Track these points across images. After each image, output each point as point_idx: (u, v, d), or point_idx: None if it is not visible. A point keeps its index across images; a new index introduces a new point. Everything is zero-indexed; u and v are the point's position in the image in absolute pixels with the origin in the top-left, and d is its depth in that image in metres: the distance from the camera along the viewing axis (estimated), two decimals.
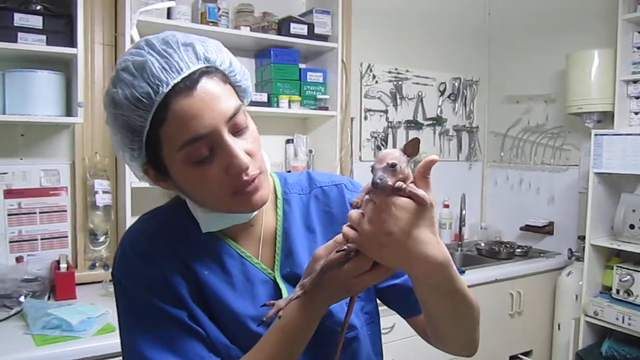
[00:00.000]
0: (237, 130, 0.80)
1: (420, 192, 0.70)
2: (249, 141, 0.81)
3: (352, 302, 0.83)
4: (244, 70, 0.87)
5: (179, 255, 0.85)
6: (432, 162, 0.70)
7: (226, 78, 0.82)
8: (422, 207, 0.70)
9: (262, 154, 0.85)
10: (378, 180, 0.68)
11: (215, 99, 0.77)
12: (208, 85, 0.77)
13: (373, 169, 0.70)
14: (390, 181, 0.69)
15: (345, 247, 0.73)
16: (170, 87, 0.75)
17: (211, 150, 0.78)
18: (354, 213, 0.73)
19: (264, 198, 0.84)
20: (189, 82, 0.76)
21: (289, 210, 0.95)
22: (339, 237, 0.76)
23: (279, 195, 0.96)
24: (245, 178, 0.79)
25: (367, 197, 0.73)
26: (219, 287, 0.84)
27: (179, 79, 0.75)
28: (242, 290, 0.86)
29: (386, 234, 0.70)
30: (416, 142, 0.71)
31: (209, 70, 0.79)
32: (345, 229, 0.74)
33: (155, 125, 0.76)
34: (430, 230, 0.71)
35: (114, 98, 0.77)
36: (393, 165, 0.69)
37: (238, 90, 0.85)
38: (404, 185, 0.69)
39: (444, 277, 0.75)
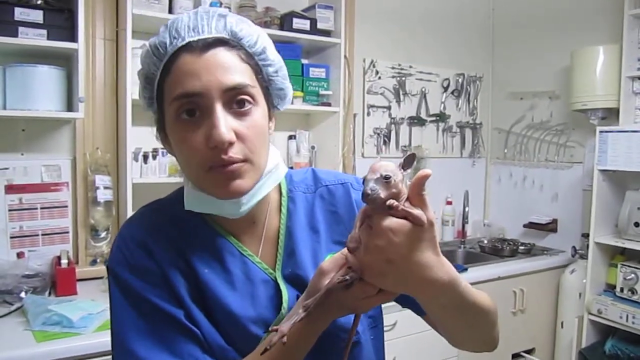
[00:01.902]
0: (233, 108, 0.78)
1: (416, 211, 0.66)
2: (245, 125, 0.78)
3: (358, 318, 0.81)
4: (282, 66, 0.86)
5: (179, 251, 0.83)
6: (425, 177, 0.66)
7: (249, 59, 0.80)
8: (420, 227, 0.66)
9: (260, 149, 0.81)
10: (369, 191, 0.64)
11: (220, 68, 0.77)
12: (220, 54, 0.78)
13: (364, 181, 0.66)
14: (382, 194, 0.65)
15: (347, 277, 0.70)
16: (184, 42, 0.77)
17: (200, 115, 0.77)
18: (350, 242, 0.70)
19: (240, 188, 0.79)
20: (202, 44, 0.77)
21: (294, 209, 0.92)
22: (346, 250, 0.73)
23: (284, 193, 0.93)
24: (223, 157, 0.76)
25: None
26: (219, 286, 0.82)
27: (195, 38, 0.77)
28: (241, 289, 0.83)
29: (386, 262, 0.67)
30: (412, 157, 0.68)
31: (230, 43, 0.79)
32: (349, 255, 0.72)
33: (162, 76, 0.79)
34: (433, 251, 0.68)
35: (148, 44, 0.81)
36: (387, 178, 0.65)
37: (271, 86, 0.84)
38: (396, 203, 0.65)
39: (452, 296, 0.73)
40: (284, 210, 0.92)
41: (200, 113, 0.77)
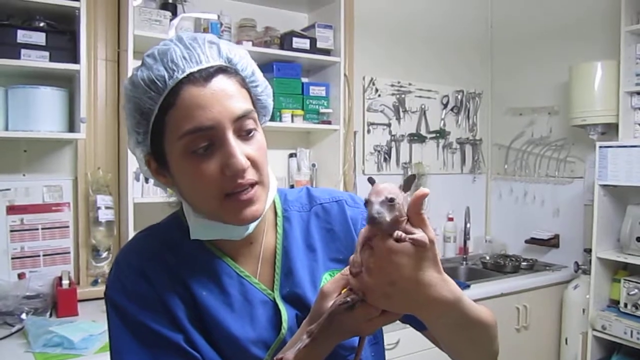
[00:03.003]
0: (242, 134, 0.79)
1: (419, 235, 0.66)
2: (253, 148, 0.80)
3: (362, 341, 0.80)
4: (267, 86, 0.87)
5: (176, 275, 0.82)
6: (423, 197, 0.66)
7: (244, 84, 0.82)
8: (422, 248, 0.67)
9: (266, 168, 0.83)
10: (376, 215, 0.64)
11: (226, 96, 0.77)
12: (223, 82, 0.78)
13: (368, 203, 0.66)
14: (387, 217, 0.65)
15: (348, 299, 0.70)
16: (185, 74, 0.76)
17: (211, 146, 0.77)
18: (352, 266, 0.70)
19: (256, 213, 0.80)
20: (205, 74, 0.77)
21: (290, 228, 0.92)
22: (347, 270, 0.73)
23: (279, 213, 0.93)
24: (240, 181, 0.77)
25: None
26: (217, 308, 0.81)
27: (195, 68, 0.77)
28: (240, 311, 0.83)
29: (389, 284, 0.67)
30: (412, 179, 0.68)
31: (228, 70, 0.80)
32: (350, 277, 0.71)
33: (163, 109, 0.77)
34: (435, 269, 0.69)
35: (133, 80, 0.79)
36: (391, 200, 0.65)
37: (257, 105, 0.85)
38: (404, 235, 0.65)
39: (456, 315, 0.73)
40: (279, 229, 0.91)
41: (212, 145, 0.77)
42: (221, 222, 0.82)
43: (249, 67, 0.83)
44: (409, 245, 0.66)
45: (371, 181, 0.70)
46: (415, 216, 0.67)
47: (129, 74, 2.15)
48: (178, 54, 0.77)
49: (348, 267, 0.73)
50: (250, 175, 0.78)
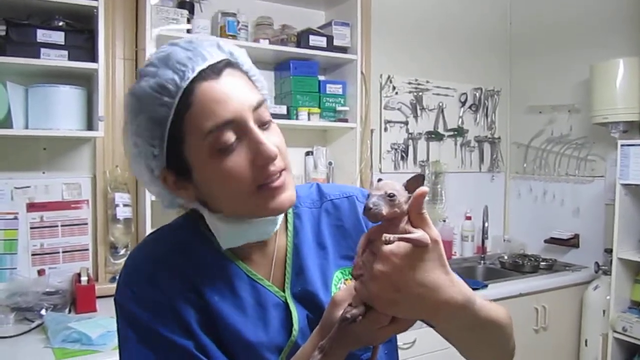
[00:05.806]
0: (261, 124, 0.77)
1: (415, 235, 0.64)
2: (275, 136, 0.79)
3: (376, 349, 0.79)
4: (263, 80, 0.86)
5: (187, 280, 0.80)
6: (423, 196, 0.65)
7: (248, 76, 0.81)
8: (424, 248, 0.65)
9: (288, 155, 0.82)
10: (371, 205, 0.64)
11: (240, 87, 0.76)
12: (233, 75, 0.77)
13: (369, 197, 0.65)
14: (384, 211, 0.64)
15: (348, 315, 0.68)
16: (196, 72, 0.74)
17: (237, 140, 0.75)
18: (354, 269, 0.70)
19: (291, 199, 0.79)
20: (215, 69, 0.75)
21: (300, 225, 0.90)
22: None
23: (290, 210, 0.91)
24: (272, 168, 0.76)
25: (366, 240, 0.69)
26: (230, 313, 0.79)
27: (204, 65, 0.75)
28: (253, 315, 0.81)
29: (395, 290, 0.65)
30: (420, 178, 0.66)
31: (233, 63, 0.79)
32: (357, 286, 0.70)
33: (180, 113, 0.74)
34: (441, 270, 0.67)
35: (136, 93, 0.75)
36: (391, 196, 0.64)
37: None
38: (392, 238, 0.64)
39: (467, 316, 0.71)
40: (290, 227, 0.90)
41: (238, 139, 0.75)
42: (255, 218, 0.80)
43: (247, 62, 0.83)
44: (409, 246, 0.65)
45: (379, 181, 0.69)
46: (416, 216, 0.66)
47: None
48: (182, 55, 0.74)
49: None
50: (279, 162, 0.77)
